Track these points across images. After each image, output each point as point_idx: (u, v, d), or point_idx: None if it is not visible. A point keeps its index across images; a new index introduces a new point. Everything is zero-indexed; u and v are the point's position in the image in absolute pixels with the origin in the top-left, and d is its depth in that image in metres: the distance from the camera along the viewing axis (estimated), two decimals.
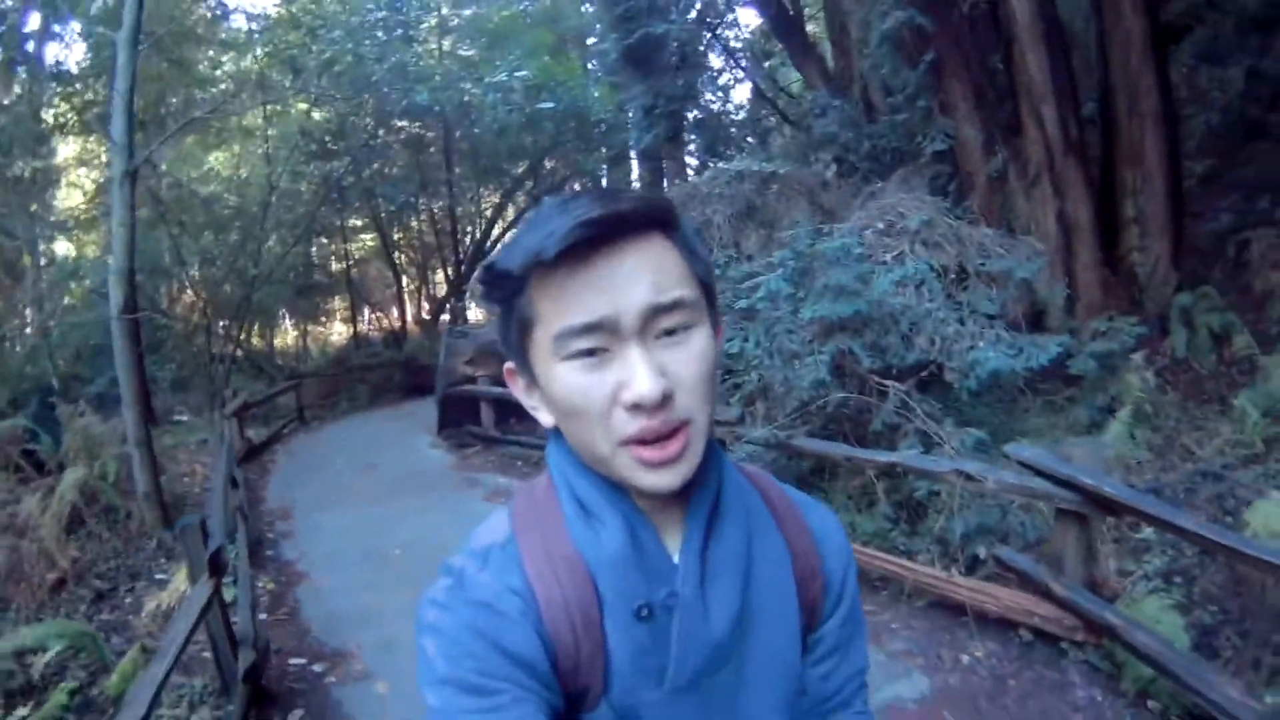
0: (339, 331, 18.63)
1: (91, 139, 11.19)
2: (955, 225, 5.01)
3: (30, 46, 9.79)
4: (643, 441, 0.60)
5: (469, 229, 16.33)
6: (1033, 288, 5.29)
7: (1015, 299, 5.00)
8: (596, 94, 10.93)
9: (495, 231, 16.06)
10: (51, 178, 10.68)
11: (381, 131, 12.67)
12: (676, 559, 0.67)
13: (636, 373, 0.59)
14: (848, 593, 0.77)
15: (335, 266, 17.05)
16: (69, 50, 10.67)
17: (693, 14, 9.05)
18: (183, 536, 3.33)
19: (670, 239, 0.64)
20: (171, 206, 10.78)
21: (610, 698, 0.66)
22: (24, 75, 9.86)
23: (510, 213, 16.29)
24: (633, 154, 12.71)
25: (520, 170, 14.41)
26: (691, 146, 10.92)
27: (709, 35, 9.59)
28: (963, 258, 4.92)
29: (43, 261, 10.68)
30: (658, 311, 0.60)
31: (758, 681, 0.71)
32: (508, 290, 0.64)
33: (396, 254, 16.84)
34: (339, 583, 4.75)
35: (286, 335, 18.06)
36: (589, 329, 0.59)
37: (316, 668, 3.72)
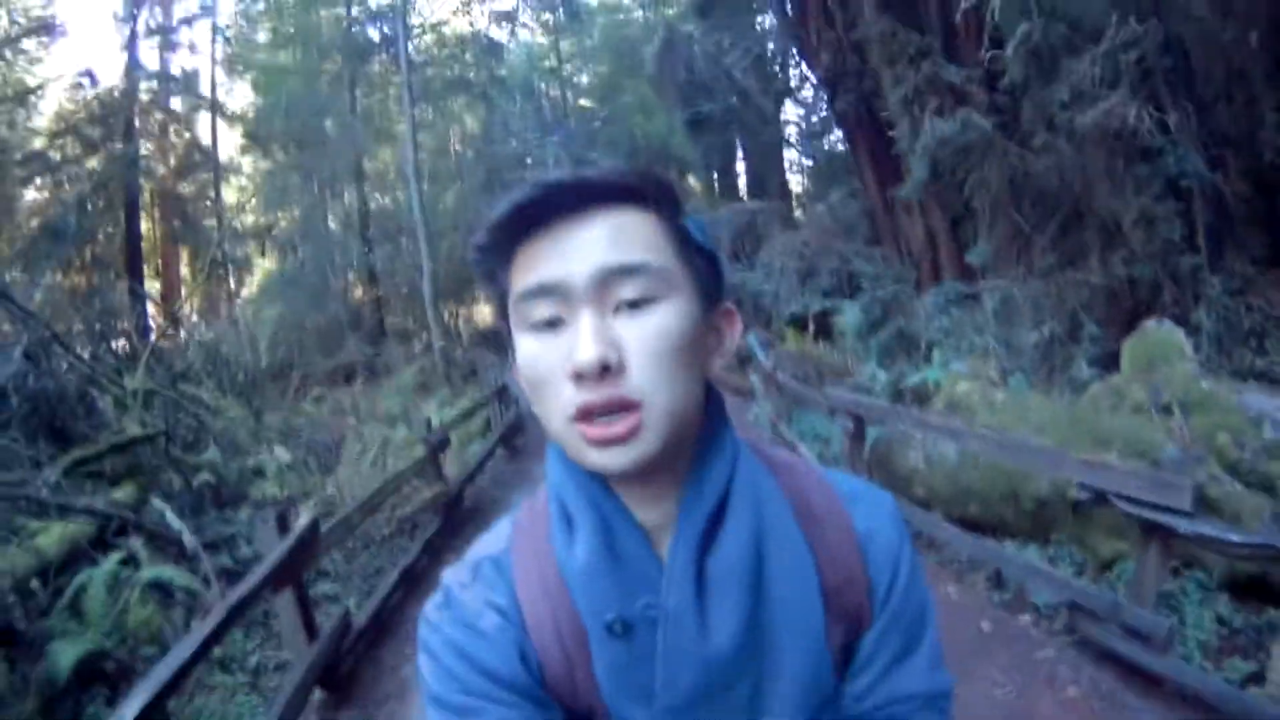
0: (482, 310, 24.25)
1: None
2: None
3: None
4: (589, 417, 0.56)
5: None
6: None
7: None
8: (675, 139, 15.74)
9: None
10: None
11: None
12: None
13: (579, 339, 0.56)
14: (894, 599, 0.67)
15: None
16: None
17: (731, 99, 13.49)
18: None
19: (649, 212, 0.60)
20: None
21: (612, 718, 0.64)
22: None
23: None
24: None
25: None
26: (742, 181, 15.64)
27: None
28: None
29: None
30: (611, 274, 0.56)
31: (777, 702, 0.64)
32: (489, 265, 0.62)
33: None
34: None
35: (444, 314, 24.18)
36: (541, 291, 0.57)
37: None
